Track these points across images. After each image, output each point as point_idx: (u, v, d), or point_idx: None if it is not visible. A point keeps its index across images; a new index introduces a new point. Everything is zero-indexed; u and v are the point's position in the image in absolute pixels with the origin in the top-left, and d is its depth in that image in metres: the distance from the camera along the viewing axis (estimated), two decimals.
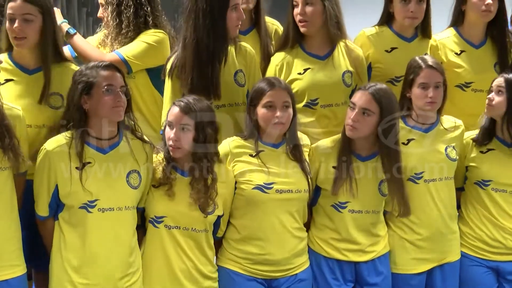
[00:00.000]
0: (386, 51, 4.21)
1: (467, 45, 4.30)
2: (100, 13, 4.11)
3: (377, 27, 4.28)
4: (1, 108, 3.20)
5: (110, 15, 3.95)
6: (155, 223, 3.43)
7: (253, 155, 3.59)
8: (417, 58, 3.87)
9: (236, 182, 3.57)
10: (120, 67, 3.70)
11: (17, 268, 3.29)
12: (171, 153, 3.40)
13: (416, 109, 3.84)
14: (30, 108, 3.49)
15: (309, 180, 3.63)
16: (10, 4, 3.44)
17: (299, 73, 3.98)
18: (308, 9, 3.88)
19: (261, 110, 3.54)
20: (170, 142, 3.35)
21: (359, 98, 3.61)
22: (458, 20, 4.32)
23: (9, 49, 3.56)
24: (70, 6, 5.28)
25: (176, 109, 3.36)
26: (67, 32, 4.06)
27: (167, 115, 3.47)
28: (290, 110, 3.55)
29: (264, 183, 3.55)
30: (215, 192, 3.43)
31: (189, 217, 3.42)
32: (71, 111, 3.32)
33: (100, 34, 4.20)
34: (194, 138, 3.37)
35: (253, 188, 3.54)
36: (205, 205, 3.40)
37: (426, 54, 4.14)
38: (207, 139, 3.41)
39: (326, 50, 4.04)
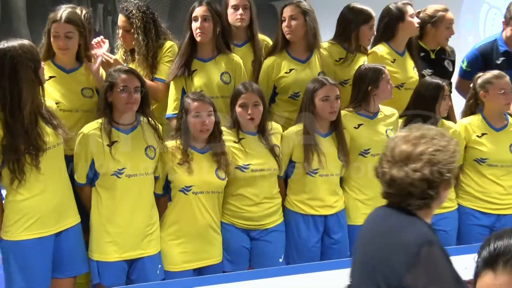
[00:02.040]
0: (337, 60, 4.17)
1: (397, 54, 4.27)
2: (121, 36, 3.96)
3: (329, 42, 4.24)
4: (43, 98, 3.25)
5: (140, 37, 3.82)
6: (185, 191, 3.46)
7: (237, 141, 3.65)
8: (371, 66, 3.96)
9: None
10: (165, 87, 3.86)
11: (76, 217, 3.36)
12: (200, 135, 3.48)
13: (377, 101, 3.90)
14: (66, 98, 3.53)
15: (277, 160, 3.68)
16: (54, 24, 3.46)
17: (286, 72, 4.01)
18: (293, 22, 3.93)
19: (238, 109, 3.62)
20: (201, 128, 3.44)
21: (329, 90, 3.71)
22: (390, 34, 4.25)
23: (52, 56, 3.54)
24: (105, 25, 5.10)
25: (197, 103, 3.44)
26: None
27: (186, 107, 3.49)
28: (261, 107, 3.62)
29: (243, 164, 3.61)
30: (227, 159, 3.55)
31: (210, 183, 3.49)
32: (101, 102, 3.41)
33: (118, 55, 4.07)
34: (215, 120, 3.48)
35: (236, 168, 3.61)
36: (221, 168, 3.50)
37: (365, 62, 4.16)
38: (220, 121, 3.54)
39: (306, 55, 4.06)
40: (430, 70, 4.38)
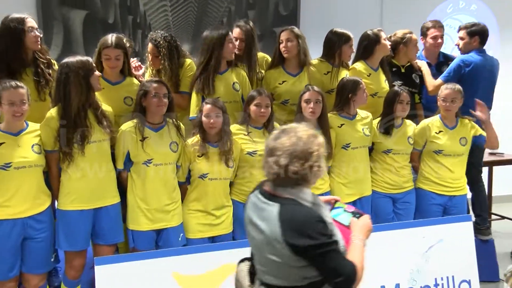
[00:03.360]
0: (325, 73, 4.08)
1: (372, 70, 4.17)
2: (150, 59, 3.84)
3: (318, 59, 4.14)
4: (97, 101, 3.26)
5: (166, 63, 3.74)
6: (203, 178, 3.41)
7: (246, 134, 3.58)
8: (351, 78, 3.88)
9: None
10: (189, 97, 3.75)
11: (115, 198, 3.33)
12: (209, 131, 3.38)
13: (355, 105, 3.85)
14: (112, 105, 3.43)
15: None
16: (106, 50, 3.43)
17: (279, 83, 3.96)
18: (289, 44, 3.91)
19: (253, 108, 3.55)
20: (210, 125, 3.35)
21: (310, 95, 3.65)
22: (368, 54, 4.15)
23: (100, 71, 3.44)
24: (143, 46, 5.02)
25: (209, 106, 3.37)
26: None
27: (201, 109, 3.44)
28: (270, 108, 3.58)
29: (252, 150, 3.54)
30: (233, 152, 3.45)
31: (221, 171, 3.42)
32: (136, 106, 3.35)
33: (148, 74, 3.95)
34: (222, 120, 3.40)
35: (246, 153, 3.54)
36: (228, 160, 3.41)
37: (347, 75, 4.05)
38: (228, 121, 3.45)
39: (297, 71, 4.01)
40: (400, 82, 4.30)
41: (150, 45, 3.79)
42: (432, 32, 4.58)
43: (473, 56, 4.42)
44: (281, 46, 3.90)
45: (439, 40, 4.61)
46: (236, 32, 3.93)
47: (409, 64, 4.47)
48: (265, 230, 1.95)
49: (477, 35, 4.46)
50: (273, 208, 1.95)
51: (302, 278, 1.97)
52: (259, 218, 2.00)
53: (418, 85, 4.48)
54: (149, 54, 3.82)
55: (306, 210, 1.94)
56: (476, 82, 4.37)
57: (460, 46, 4.56)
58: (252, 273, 2.20)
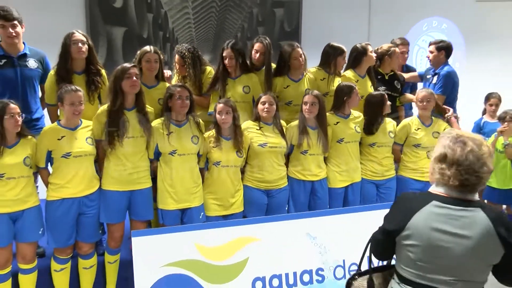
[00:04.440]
0: (321, 79, 3.98)
1: (359, 77, 4.06)
2: (177, 68, 3.79)
3: (316, 67, 4.03)
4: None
5: (190, 70, 3.70)
6: (216, 165, 3.35)
7: (258, 128, 3.49)
8: (347, 84, 3.77)
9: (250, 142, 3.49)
10: (207, 98, 3.75)
11: (147, 183, 3.26)
12: (222, 126, 3.33)
13: (349, 107, 3.75)
14: (149, 105, 3.33)
15: (286, 141, 3.53)
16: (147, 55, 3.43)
17: (284, 88, 3.87)
18: (302, 58, 3.83)
19: (259, 106, 3.49)
20: (222, 121, 3.30)
21: (308, 98, 3.57)
22: (356, 63, 4.04)
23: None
24: (171, 57, 4.93)
25: (221, 105, 3.32)
26: None
27: (215, 107, 3.39)
28: (274, 106, 3.49)
29: (263, 143, 3.44)
30: (243, 143, 3.38)
31: (232, 160, 3.35)
32: (164, 106, 3.29)
33: (175, 79, 3.88)
34: (232, 117, 3.33)
35: (258, 145, 3.44)
36: (239, 149, 3.34)
37: (339, 81, 3.95)
38: (238, 118, 3.39)
39: (298, 77, 3.91)
40: (384, 87, 4.22)
41: (177, 56, 3.75)
42: (400, 49, 4.55)
43: (452, 68, 4.39)
44: (299, 60, 3.79)
45: (406, 55, 4.63)
46: (257, 45, 3.82)
47: (392, 72, 4.39)
48: (473, 235, 1.72)
49: (443, 49, 4.41)
50: (477, 213, 1.73)
51: (484, 280, 1.79)
52: (457, 227, 1.74)
53: (399, 90, 4.39)
54: (176, 64, 3.77)
55: (499, 209, 1.83)
56: (457, 88, 4.34)
57: (430, 58, 4.52)
58: (371, 287, 1.99)
